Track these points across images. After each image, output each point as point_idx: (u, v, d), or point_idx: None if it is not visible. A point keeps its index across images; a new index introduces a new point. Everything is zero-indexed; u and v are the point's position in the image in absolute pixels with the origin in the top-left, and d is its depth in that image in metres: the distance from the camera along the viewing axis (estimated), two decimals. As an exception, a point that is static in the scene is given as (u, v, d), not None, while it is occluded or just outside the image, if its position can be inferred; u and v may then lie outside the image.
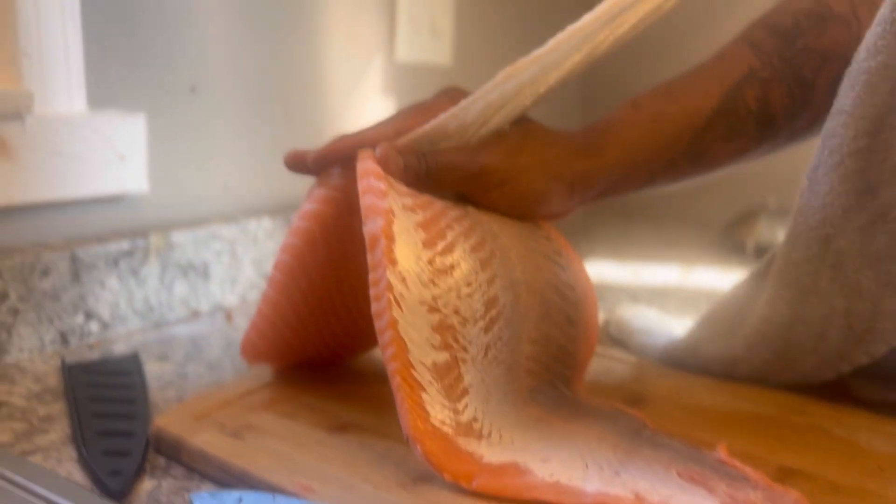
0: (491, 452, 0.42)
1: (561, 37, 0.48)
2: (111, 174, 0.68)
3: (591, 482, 0.40)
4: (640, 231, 1.30)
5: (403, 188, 0.46)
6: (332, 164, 0.50)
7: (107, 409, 0.52)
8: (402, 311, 0.41)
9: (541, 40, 0.49)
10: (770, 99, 0.53)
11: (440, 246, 0.44)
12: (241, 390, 0.53)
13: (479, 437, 0.43)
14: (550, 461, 0.42)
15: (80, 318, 0.65)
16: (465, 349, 0.43)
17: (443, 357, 0.42)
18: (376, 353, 0.61)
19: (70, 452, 0.47)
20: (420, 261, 0.42)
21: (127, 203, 0.72)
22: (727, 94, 0.52)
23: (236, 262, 0.79)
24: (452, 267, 0.43)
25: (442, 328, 0.42)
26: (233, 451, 0.45)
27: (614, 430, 0.46)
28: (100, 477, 0.43)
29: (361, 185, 0.44)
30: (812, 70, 0.53)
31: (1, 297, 0.60)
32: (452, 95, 0.52)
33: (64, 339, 0.65)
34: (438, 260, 0.43)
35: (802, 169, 1.23)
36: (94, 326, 0.66)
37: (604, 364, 0.61)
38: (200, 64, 0.77)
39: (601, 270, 1.01)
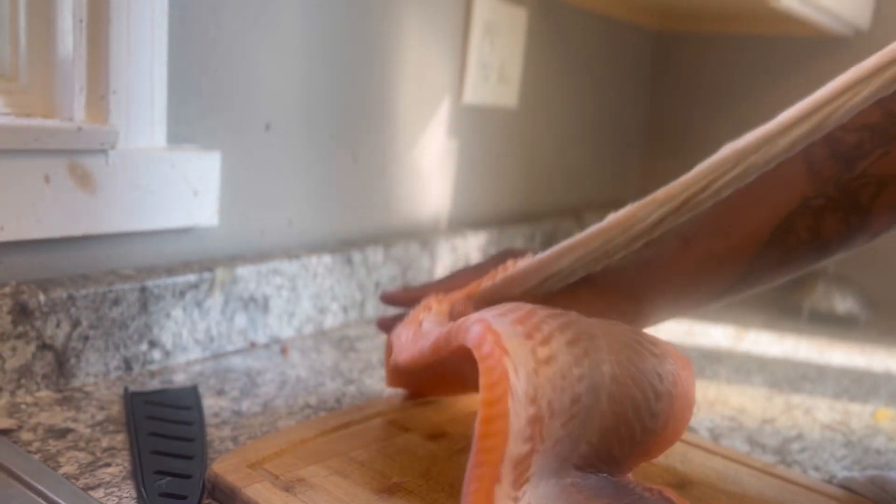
0: None
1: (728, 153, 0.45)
2: (184, 208, 0.71)
3: None
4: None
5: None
6: (400, 304, 0.62)
7: (166, 446, 0.54)
8: (513, 401, 0.41)
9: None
10: (822, 228, 0.50)
11: (538, 337, 0.43)
12: (294, 439, 0.55)
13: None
14: None
15: (144, 347, 0.68)
16: (542, 442, 0.43)
17: (525, 449, 0.42)
18: (430, 407, 0.62)
19: (130, 490, 0.49)
20: (524, 348, 0.42)
21: (195, 235, 0.74)
22: (778, 226, 0.50)
23: (295, 296, 0.81)
24: (550, 358, 0.43)
25: (534, 421, 0.42)
26: (284, 507, 0.46)
27: None
28: (158, 522, 0.45)
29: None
30: (869, 196, 0.50)
31: (74, 323, 0.63)
32: (515, 255, 0.54)
33: (128, 365, 0.67)
34: (539, 350, 0.43)
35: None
36: (156, 354, 0.69)
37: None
38: (275, 103, 0.79)
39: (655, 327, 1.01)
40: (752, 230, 0.50)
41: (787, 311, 1.13)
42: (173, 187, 0.70)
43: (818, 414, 0.76)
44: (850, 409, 0.78)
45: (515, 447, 0.42)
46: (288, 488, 0.48)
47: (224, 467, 0.50)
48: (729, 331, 1.02)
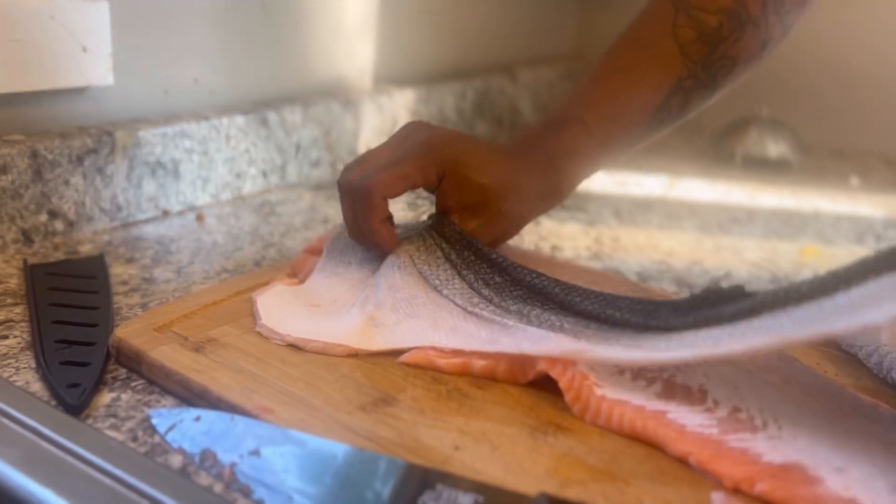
0: (771, 448, 0.37)
1: None
2: (73, 66, 0.65)
3: None
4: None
5: None
6: None
7: (68, 315, 0.51)
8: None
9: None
10: (689, 104, 0.59)
11: None
12: (206, 301, 0.52)
13: (753, 429, 0.39)
14: (847, 473, 0.36)
15: (43, 217, 0.63)
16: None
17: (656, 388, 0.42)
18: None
19: (29, 360, 0.46)
20: None
21: (90, 96, 0.69)
22: (658, 107, 0.58)
23: (208, 160, 0.76)
24: None
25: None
26: (193, 367, 0.44)
27: None
28: (57, 390, 0.42)
29: None
30: (723, 76, 0.59)
31: (-42, 194, 0.58)
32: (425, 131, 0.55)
33: (27, 237, 0.63)
34: None
35: (794, 82, 1.21)
36: (59, 226, 0.65)
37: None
38: (168, -53, 0.72)
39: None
40: (639, 113, 0.58)
41: (721, 157, 1.12)
42: (58, 42, 0.64)
43: (747, 254, 0.76)
44: (778, 247, 0.78)
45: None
46: (197, 349, 0.46)
47: (129, 332, 0.47)
48: (662, 179, 1.01)
